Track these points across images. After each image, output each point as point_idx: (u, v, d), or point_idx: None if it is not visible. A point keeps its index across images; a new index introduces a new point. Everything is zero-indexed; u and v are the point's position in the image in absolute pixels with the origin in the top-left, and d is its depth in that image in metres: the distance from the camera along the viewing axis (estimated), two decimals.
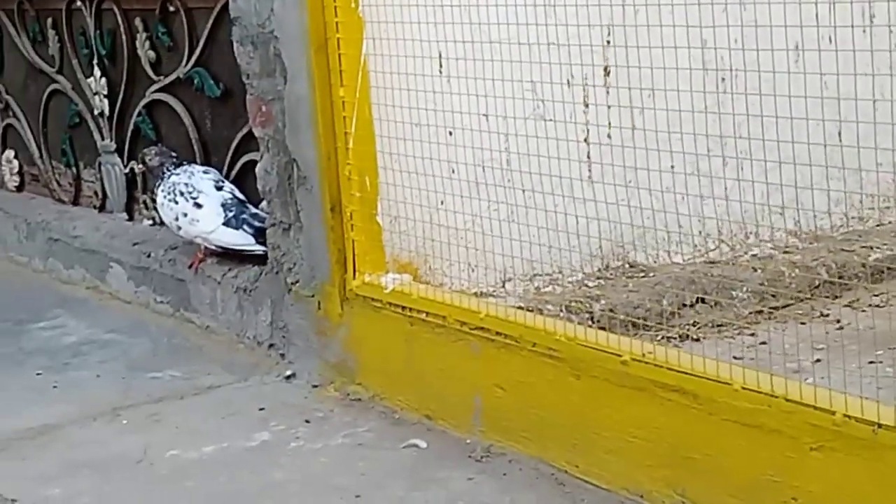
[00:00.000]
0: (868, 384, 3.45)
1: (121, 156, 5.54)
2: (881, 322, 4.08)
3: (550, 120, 3.95)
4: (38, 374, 4.62)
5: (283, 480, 3.55)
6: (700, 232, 4.42)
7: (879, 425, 2.65)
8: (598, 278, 4.37)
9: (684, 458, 3.06)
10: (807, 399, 2.80)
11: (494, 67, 3.92)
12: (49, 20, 5.82)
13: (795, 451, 2.80)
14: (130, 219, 5.57)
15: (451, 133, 3.99)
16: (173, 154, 4.87)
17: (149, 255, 5.11)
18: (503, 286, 4.21)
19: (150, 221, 5.31)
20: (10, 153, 6.37)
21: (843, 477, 2.72)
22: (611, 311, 4.10)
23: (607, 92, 4.30)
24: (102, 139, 5.60)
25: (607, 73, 4.29)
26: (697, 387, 3.01)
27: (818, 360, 3.82)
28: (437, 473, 3.49)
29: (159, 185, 4.77)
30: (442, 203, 4.01)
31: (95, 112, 5.60)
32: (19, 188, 6.37)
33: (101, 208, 5.76)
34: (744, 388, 2.91)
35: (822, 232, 4.67)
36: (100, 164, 5.68)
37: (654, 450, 3.13)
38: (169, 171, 4.75)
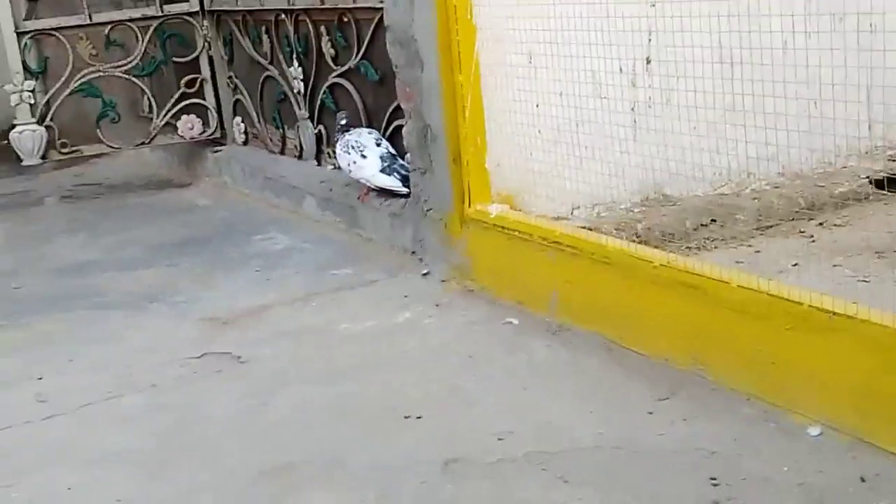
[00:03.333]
0: (831, 281, 3.43)
1: (312, 121, 5.57)
2: (842, 237, 4.03)
3: (605, 98, 3.91)
4: (256, 271, 4.70)
5: (419, 346, 3.60)
6: (714, 173, 4.38)
7: (833, 313, 2.64)
8: (641, 207, 4.32)
9: (697, 334, 3.07)
10: (783, 294, 2.79)
11: (567, 61, 3.90)
12: (263, 27, 5.85)
13: (775, 330, 2.80)
14: (319, 164, 5.59)
15: (537, 106, 3.97)
16: (347, 121, 4.92)
17: (331, 190, 5.15)
18: (573, 212, 4.19)
19: (332, 167, 5.31)
20: (238, 119, 6.45)
21: (807, 349, 2.72)
22: (649, 229, 4.09)
23: (649, 68, 4.26)
24: (300, 109, 5.63)
25: (648, 63, 4.24)
26: (707, 284, 3.01)
27: (796, 264, 3.79)
28: (525, 342, 3.51)
29: (338, 140, 4.82)
30: (531, 155, 4.01)
31: (295, 91, 5.63)
32: (245, 143, 6.44)
33: (300, 157, 5.79)
34: (739, 286, 2.91)
35: (802, 172, 4.58)
36: (298, 126, 5.72)
37: (676, 328, 3.14)
38: (345, 133, 4.81)
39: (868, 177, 4.21)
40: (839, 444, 2.60)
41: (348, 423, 3.06)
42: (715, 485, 2.50)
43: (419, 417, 3.03)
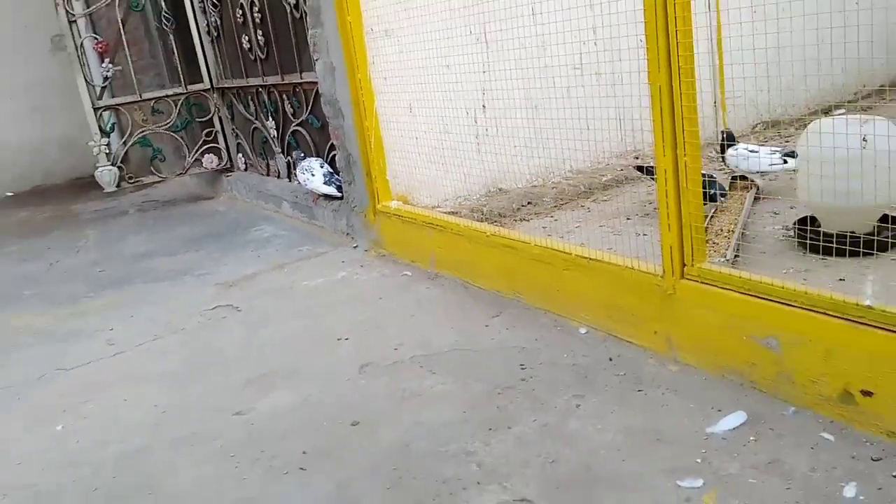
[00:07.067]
0: (598, 236, 3.44)
1: (283, 154, 5.42)
2: (607, 208, 4.05)
3: (450, 133, 3.90)
4: (251, 251, 4.58)
5: (350, 293, 3.54)
6: (528, 173, 4.39)
7: (590, 258, 2.65)
8: (485, 196, 4.30)
9: (514, 275, 3.06)
10: (561, 248, 2.79)
11: (434, 110, 3.87)
12: (249, 96, 5.68)
13: (558, 271, 2.80)
14: (290, 181, 5.46)
15: (417, 138, 3.93)
16: (303, 153, 4.81)
17: (297, 197, 5.03)
18: (444, 202, 4.16)
19: (297, 182, 5.20)
20: (239, 155, 6.25)
21: (577, 281, 2.73)
22: (490, 210, 4.08)
23: (484, 110, 4.23)
24: (275, 147, 5.49)
25: (484, 108, 4.21)
26: (518, 245, 3.00)
27: (578, 226, 3.79)
28: (414, 287, 3.47)
29: (297, 167, 4.71)
30: (415, 169, 3.96)
31: (272, 136, 5.48)
32: (245, 170, 6.26)
33: (278, 177, 5.65)
34: (536, 245, 2.91)
35: (581, 169, 4.61)
36: (276, 158, 5.58)
37: (502, 272, 3.13)
38: (301, 161, 4.70)
39: (635, 166, 4.22)
40: (597, 338, 2.63)
41: (303, 346, 3.02)
42: (523, 368, 2.51)
43: (346, 339, 2.99)
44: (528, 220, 4.08)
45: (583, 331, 2.69)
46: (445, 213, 3.83)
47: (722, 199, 3.45)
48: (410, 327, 3.01)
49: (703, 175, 3.47)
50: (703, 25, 4.42)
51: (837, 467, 1.73)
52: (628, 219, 3.78)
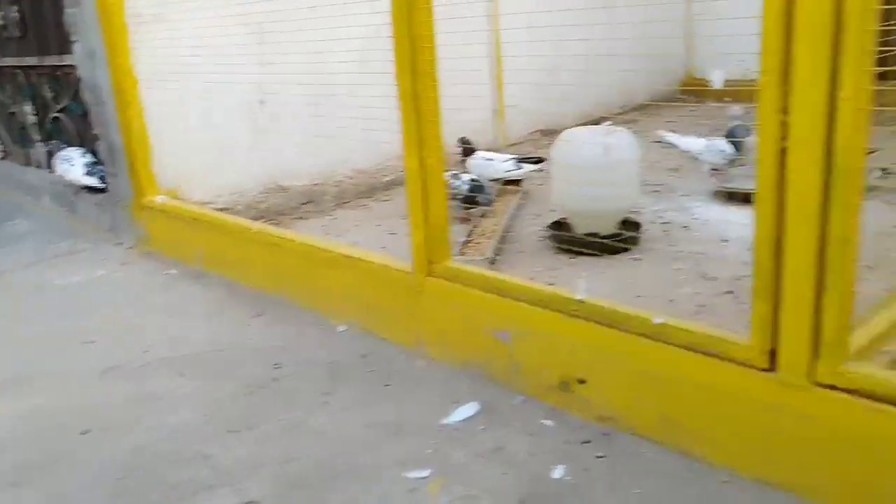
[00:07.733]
0: (374, 235, 3.47)
1: (44, 143, 4.94)
2: (386, 208, 4.12)
3: (224, 127, 3.77)
4: (2, 247, 4.16)
5: (108, 293, 3.32)
6: (310, 171, 4.35)
7: (349, 256, 2.66)
8: (264, 193, 4.20)
9: (279, 273, 3.02)
10: (322, 246, 2.79)
11: (207, 102, 3.73)
12: (5, 78, 5.15)
13: (320, 269, 2.80)
14: (51, 172, 4.98)
15: (188, 131, 3.78)
16: (62, 143, 4.44)
17: (58, 189, 4.62)
18: (217, 198, 4.00)
19: (59, 174, 4.81)
20: None
21: (337, 279, 2.74)
22: (268, 208, 4.01)
23: (262, 105, 4.13)
24: (35, 136, 5.01)
25: (262, 102, 4.11)
26: (282, 242, 2.97)
27: (357, 225, 3.83)
28: (178, 286, 3.32)
29: (57, 156, 4.34)
30: (187, 161, 3.81)
31: (30, 123, 4.99)
32: (2, 158, 5.68)
33: (39, 167, 5.16)
34: (301, 243, 2.88)
35: (365, 170, 4.62)
36: (36, 146, 5.09)
37: (267, 270, 3.06)
38: (60, 150, 4.33)
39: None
40: (354, 335, 2.64)
41: (43, 350, 2.78)
42: (277, 367, 2.47)
43: (94, 342, 2.80)
44: (306, 219, 4.05)
45: (342, 328, 2.69)
46: (216, 209, 3.70)
47: (487, 205, 3.61)
48: (167, 328, 2.87)
49: (473, 180, 3.64)
50: (483, 29, 4.61)
51: (552, 451, 1.86)
52: (404, 218, 3.84)
